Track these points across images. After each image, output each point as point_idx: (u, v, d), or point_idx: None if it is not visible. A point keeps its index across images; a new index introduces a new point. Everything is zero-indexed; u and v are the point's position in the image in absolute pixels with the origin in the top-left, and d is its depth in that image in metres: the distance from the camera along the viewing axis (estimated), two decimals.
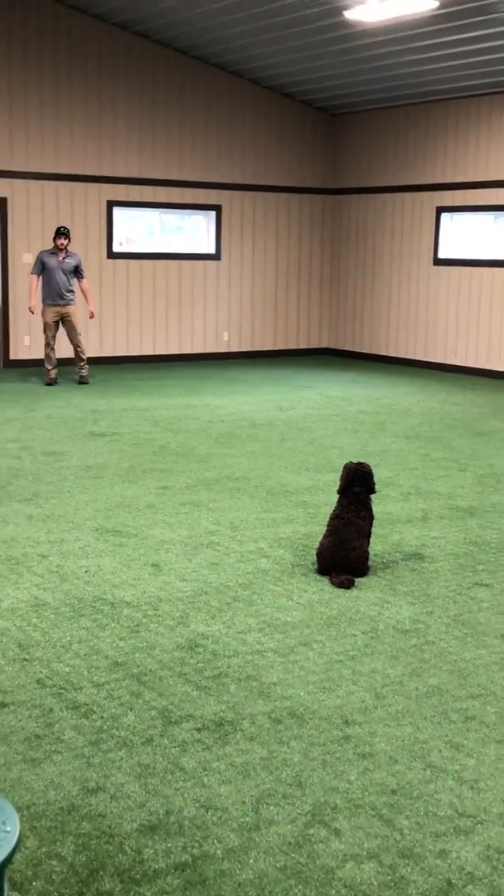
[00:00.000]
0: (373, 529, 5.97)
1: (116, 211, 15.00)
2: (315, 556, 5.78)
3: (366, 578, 5.59)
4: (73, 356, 13.18)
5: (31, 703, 4.04)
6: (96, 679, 4.27)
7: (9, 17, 13.61)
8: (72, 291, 12.87)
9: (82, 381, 13.01)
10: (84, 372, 13.06)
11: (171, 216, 15.67)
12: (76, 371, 13.11)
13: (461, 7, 10.96)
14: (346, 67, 13.98)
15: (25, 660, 4.45)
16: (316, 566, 5.73)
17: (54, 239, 12.78)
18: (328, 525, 5.75)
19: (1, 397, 11.86)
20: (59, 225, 13.62)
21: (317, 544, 5.89)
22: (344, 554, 5.57)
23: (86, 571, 5.62)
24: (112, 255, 14.97)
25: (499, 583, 5.58)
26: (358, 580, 5.56)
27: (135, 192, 15.01)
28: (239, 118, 15.67)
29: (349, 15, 10.83)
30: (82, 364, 13.04)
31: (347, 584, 5.47)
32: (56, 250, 12.73)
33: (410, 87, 14.42)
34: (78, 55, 14.20)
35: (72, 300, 12.89)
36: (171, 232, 15.76)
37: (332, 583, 5.50)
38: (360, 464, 5.82)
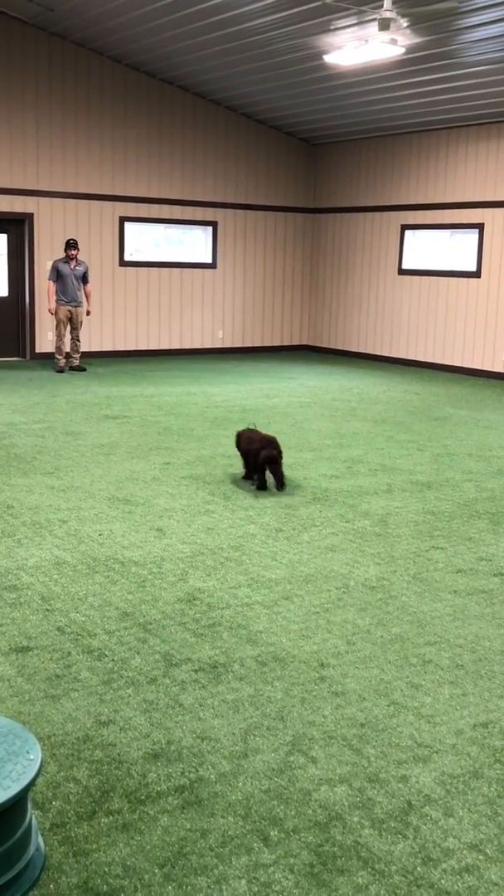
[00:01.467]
0: (338, 498, 5.95)
1: (128, 225, 14.86)
2: (243, 457, 6.83)
3: (338, 541, 5.56)
4: (70, 348, 13.33)
5: (52, 648, 4.00)
6: (108, 627, 4.23)
7: (37, 60, 13.44)
8: (80, 294, 13.01)
9: (76, 368, 13.12)
10: (76, 361, 13.20)
11: (175, 230, 15.53)
12: (71, 358, 13.24)
13: (423, 54, 10.87)
14: (325, 104, 13.85)
15: (47, 610, 4.41)
16: (249, 469, 6.80)
17: (66, 250, 12.88)
18: (247, 446, 6.73)
19: (28, 384, 11.77)
20: (73, 237, 13.58)
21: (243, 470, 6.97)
22: (272, 448, 6.50)
23: (99, 535, 5.57)
24: (123, 263, 14.85)
25: (452, 546, 5.55)
26: (332, 545, 5.53)
27: (143, 210, 14.87)
28: (233, 147, 15.52)
29: (328, 59, 10.70)
30: (77, 355, 13.21)
31: (274, 458, 6.52)
32: (68, 259, 12.81)
33: (380, 122, 14.30)
34: (95, 92, 14.03)
35: (81, 302, 13.07)
36: (174, 244, 15.62)
37: (263, 456, 6.49)
38: (248, 429, 7.04)
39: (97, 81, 14.02)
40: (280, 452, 6.58)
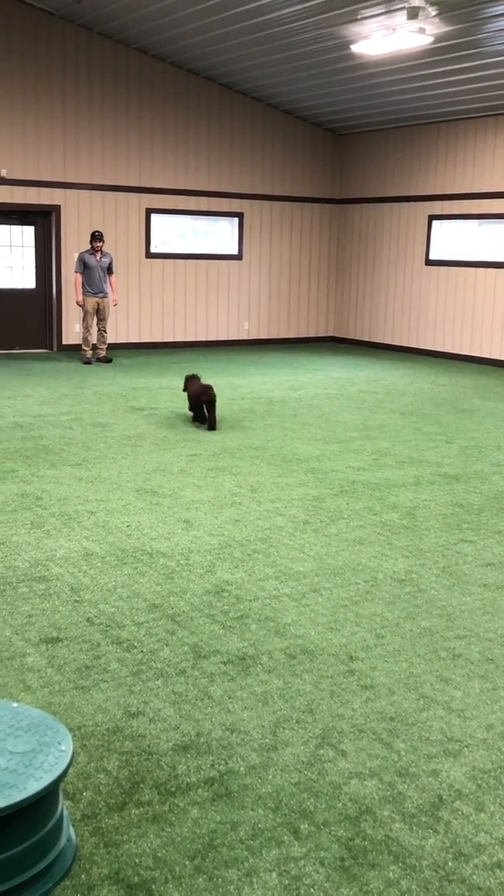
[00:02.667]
0: (366, 490, 5.91)
1: (154, 217, 14.86)
2: (189, 398, 8.68)
3: (366, 533, 5.54)
4: (97, 340, 13.35)
5: (82, 639, 4.01)
6: (137, 618, 4.24)
7: (64, 52, 13.45)
8: (106, 285, 13.04)
9: (102, 359, 13.15)
10: (103, 353, 13.23)
11: (201, 222, 15.52)
12: (98, 349, 13.27)
13: (452, 42, 10.76)
14: (352, 94, 13.76)
15: (77, 601, 4.42)
16: (189, 404, 8.69)
17: (91, 242, 12.92)
18: (193, 389, 8.58)
19: (56, 376, 11.82)
20: (98, 229, 13.62)
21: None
22: (210, 393, 8.31)
23: (127, 526, 5.59)
24: (150, 255, 14.86)
25: (481, 539, 5.52)
26: (360, 537, 5.51)
27: (170, 201, 14.87)
28: (259, 137, 15.47)
29: (355, 48, 10.63)
30: (104, 346, 13.24)
31: (211, 401, 8.37)
32: (93, 251, 12.84)
33: (407, 111, 14.20)
34: (122, 83, 14.03)
35: (107, 293, 13.08)
36: (200, 235, 15.61)
37: (203, 400, 8.38)
38: (193, 375, 8.93)
39: (123, 73, 14.02)
40: (215, 396, 8.46)
